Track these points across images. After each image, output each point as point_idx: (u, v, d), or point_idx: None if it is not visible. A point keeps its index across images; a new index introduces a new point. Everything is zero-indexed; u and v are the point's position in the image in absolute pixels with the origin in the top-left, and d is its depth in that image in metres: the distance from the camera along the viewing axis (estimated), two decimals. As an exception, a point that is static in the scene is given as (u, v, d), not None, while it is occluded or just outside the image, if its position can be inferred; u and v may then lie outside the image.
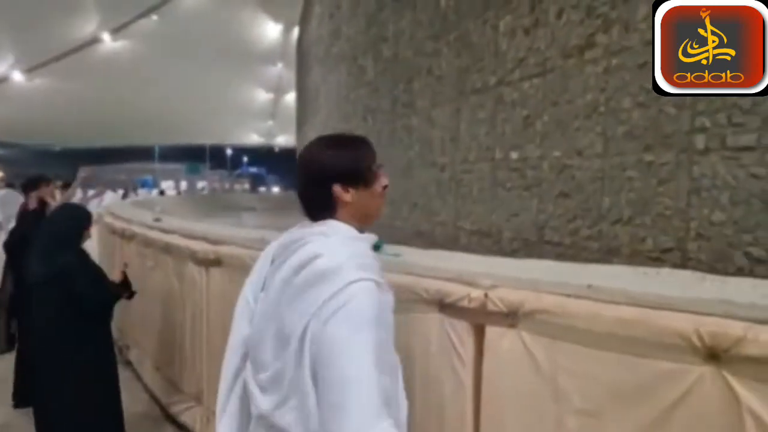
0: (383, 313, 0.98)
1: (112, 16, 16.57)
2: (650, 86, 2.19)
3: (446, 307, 1.45)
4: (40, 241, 2.58)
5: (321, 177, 1.10)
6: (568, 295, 1.28)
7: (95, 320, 2.53)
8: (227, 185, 47.29)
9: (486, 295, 1.37)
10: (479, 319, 1.41)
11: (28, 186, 4.06)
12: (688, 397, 1.07)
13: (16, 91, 18.74)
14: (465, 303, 1.40)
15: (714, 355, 1.04)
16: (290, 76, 17.10)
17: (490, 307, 1.36)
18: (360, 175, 1.12)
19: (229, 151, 51.04)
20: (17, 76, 17.11)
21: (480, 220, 3.44)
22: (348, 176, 1.11)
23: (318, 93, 8.53)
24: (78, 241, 2.58)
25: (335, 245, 1.04)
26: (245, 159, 57.62)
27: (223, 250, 2.62)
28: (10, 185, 7.43)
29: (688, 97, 2.05)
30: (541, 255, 2.83)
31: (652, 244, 2.22)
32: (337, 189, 1.10)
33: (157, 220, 3.92)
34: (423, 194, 4.25)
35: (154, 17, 17.74)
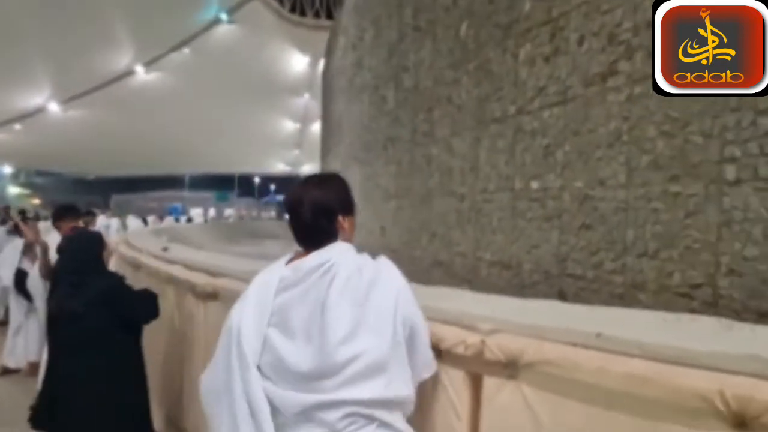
0: None
1: (145, 50, 17.20)
2: (676, 114, 2.12)
3: (442, 353, 1.33)
4: (66, 272, 2.62)
5: (329, 210, 1.33)
6: (574, 345, 1.14)
7: (133, 338, 2.56)
8: (254, 213, 47.91)
9: (483, 342, 1.24)
10: (476, 368, 1.29)
11: (56, 217, 4.18)
12: (711, 472, 0.90)
13: (52, 122, 19.49)
14: (461, 350, 1.28)
15: (741, 422, 0.89)
16: (316, 106, 17.43)
17: (488, 355, 1.23)
18: (352, 206, 1.41)
19: (256, 180, 51.90)
20: (53, 107, 17.82)
21: (500, 251, 3.34)
22: (346, 208, 1.38)
23: (341, 123, 8.62)
24: (101, 263, 2.62)
25: (361, 259, 1.31)
26: (272, 187, 58.47)
27: (220, 283, 2.56)
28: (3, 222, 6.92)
29: (715, 127, 1.96)
30: (562, 288, 2.72)
31: (680, 279, 2.10)
32: (340, 219, 1.35)
33: (165, 249, 3.90)
34: (442, 224, 4.17)
35: (186, 50, 18.35)
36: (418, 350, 1.27)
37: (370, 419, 1.17)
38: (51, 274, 4.10)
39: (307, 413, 1.19)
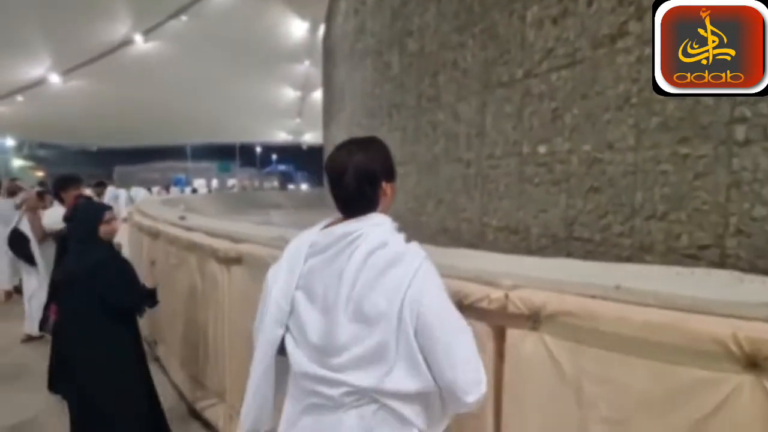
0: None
1: (143, 18, 16.93)
2: (686, 75, 2.10)
3: (465, 308, 1.37)
4: (70, 241, 2.67)
5: (373, 176, 1.26)
6: (594, 297, 1.19)
7: (120, 320, 2.56)
8: (257, 183, 47.88)
9: (506, 296, 1.30)
10: (500, 321, 1.35)
11: (58, 187, 4.19)
12: (724, 408, 0.98)
13: (53, 93, 19.32)
14: (485, 304, 1.33)
15: (754, 363, 0.95)
16: (317, 73, 17.17)
17: (511, 308, 1.29)
18: (393, 171, 1.32)
19: (258, 150, 51.65)
20: (54, 78, 17.64)
21: (507, 217, 3.36)
22: (389, 173, 1.30)
23: (343, 90, 8.52)
24: (98, 236, 2.60)
25: (390, 236, 1.22)
26: (274, 157, 58.18)
27: (244, 248, 2.61)
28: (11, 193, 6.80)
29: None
30: (570, 252, 2.75)
31: (688, 240, 2.12)
32: (384, 185, 1.28)
33: (182, 218, 3.96)
34: (448, 190, 4.18)
35: (184, 18, 18.01)
36: (437, 348, 1.12)
37: (373, 399, 1.16)
38: (45, 237, 4.24)
39: (312, 384, 1.21)
